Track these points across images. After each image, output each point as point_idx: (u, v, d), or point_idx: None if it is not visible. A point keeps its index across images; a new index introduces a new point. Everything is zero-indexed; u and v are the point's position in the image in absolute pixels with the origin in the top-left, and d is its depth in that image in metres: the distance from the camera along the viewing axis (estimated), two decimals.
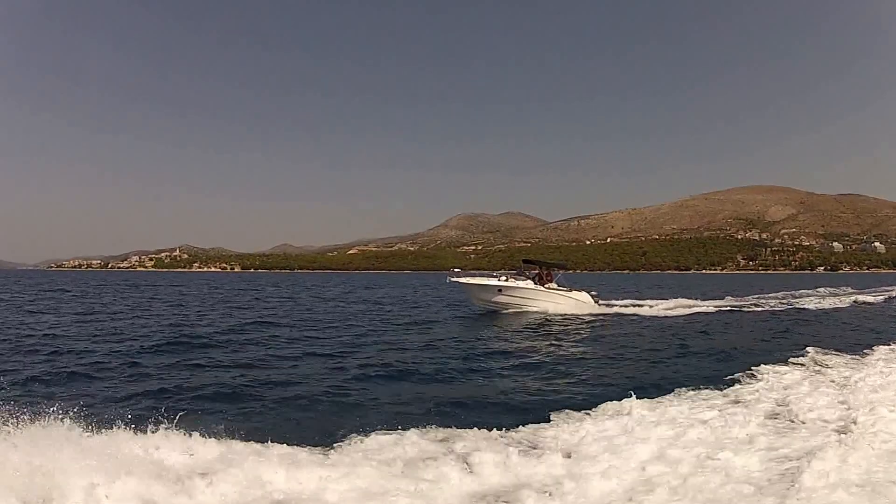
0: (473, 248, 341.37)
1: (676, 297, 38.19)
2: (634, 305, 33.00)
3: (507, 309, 28.80)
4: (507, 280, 29.41)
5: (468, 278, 30.56)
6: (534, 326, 23.49)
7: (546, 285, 29.86)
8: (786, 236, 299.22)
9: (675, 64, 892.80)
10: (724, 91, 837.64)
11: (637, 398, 8.89)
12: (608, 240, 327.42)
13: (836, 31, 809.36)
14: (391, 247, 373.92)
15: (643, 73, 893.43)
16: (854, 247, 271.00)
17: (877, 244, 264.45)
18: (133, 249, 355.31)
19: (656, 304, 34.07)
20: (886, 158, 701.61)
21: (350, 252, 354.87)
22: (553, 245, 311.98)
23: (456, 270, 30.43)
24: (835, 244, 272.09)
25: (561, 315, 27.66)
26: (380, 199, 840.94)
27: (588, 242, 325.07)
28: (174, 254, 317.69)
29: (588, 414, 8.37)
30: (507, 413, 8.98)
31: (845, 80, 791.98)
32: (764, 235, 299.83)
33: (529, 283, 29.50)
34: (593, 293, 30.91)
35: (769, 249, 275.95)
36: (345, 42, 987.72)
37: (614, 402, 8.84)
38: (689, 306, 32.79)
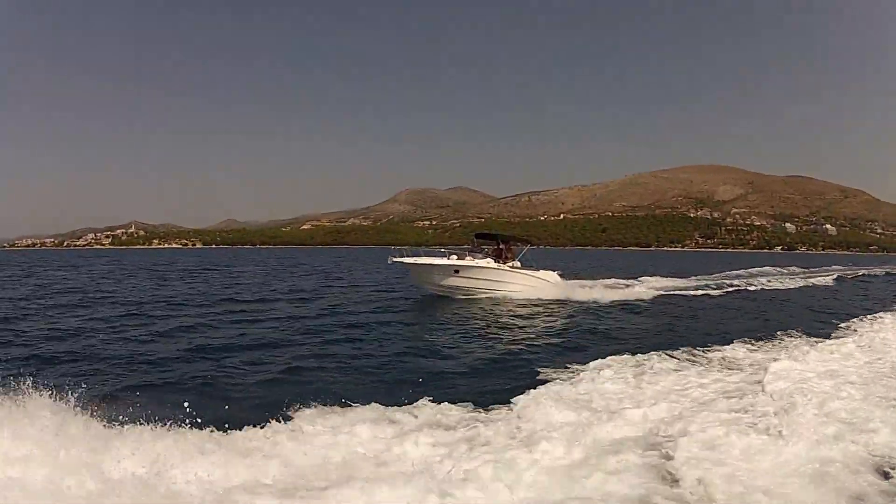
0: (429, 223, 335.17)
1: (657, 277, 34.19)
2: (612, 287, 28.58)
3: (463, 294, 23.45)
4: (461, 259, 24.05)
5: (416, 258, 24.45)
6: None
7: (509, 264, 24.72)
8: (737, 216, 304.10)
9: (623, 42, 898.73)
10: (669, 70, 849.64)
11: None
12: (561, 216, 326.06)
13: (792, 18, 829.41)
14: (344, 221, 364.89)
15: (589, 51, 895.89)
16: (805, 228, 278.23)
17: (828, 226, 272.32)
18: (79, 227, 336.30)
19: (635, 285, 30.00)
20: (834, 142, 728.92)
21: (304, 227, 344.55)
22: (508, 221, 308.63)
23: (398, 249, 24.65)
24: (787, 225, 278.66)
25: (529, 300, 22.75)
26: (323, 173, 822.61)
27: (542, 218, 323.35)
28: (129, 231, 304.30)
29: None
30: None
31: (795, 65, 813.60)
32: (715, 214, 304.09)
33: (490, 262, 24.11)
34: (559, 272, 26.15)
35: (724, 228, 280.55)
36: (287, 8, 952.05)
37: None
38: (684, 288, 28.73)
